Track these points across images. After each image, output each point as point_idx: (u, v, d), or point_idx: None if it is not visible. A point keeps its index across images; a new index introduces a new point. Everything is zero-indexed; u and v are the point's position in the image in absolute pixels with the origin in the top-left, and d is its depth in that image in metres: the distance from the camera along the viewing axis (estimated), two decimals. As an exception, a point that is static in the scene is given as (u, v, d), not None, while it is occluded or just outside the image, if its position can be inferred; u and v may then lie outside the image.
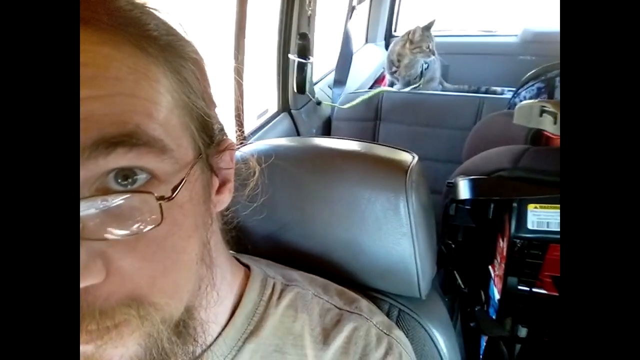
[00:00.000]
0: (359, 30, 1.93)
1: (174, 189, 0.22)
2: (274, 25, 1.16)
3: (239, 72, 0.96)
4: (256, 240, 0.47)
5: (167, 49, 0.23)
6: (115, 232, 0.20)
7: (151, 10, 0.23)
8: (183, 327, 0.24)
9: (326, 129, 1.41)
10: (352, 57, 1.48)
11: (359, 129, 1.37)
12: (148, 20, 0.23)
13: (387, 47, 2.13)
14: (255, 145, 0.48)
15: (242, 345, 0.31)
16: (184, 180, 0.22)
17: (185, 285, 0.25)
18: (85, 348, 0.20)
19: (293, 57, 1.16)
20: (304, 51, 1.15)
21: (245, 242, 0.47)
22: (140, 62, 0.21)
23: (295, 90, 1.22)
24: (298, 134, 1.27)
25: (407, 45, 1.48)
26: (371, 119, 1.37)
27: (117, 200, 0.20)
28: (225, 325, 0.31)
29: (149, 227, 0.20)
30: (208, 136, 0.26)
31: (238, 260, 0.36)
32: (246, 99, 1.02)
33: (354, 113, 1.37)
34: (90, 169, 0.19)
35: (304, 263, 0.45)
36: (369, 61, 1.87)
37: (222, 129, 0.28)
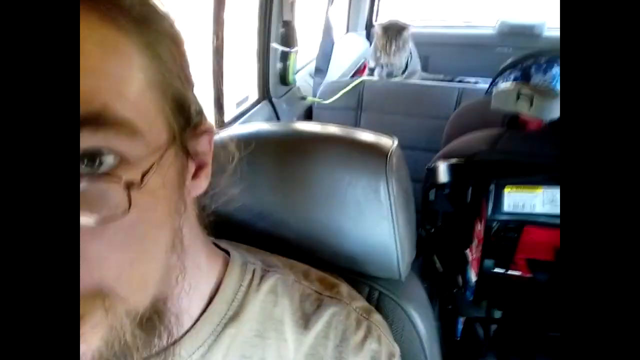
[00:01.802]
0: (340, 19, 1.92)
1: (144, 175, 0.20)
2: (255, 11, 1.14)
3: (218, 52, 0.93)
4: (236, 225, 0.47)
5: (141, 21, 0.21)
6: (82, 219, 0.19)
7: None
8: (148, 321, 0.23)
9: (307, 118, 1.41)
10: (333, 46, 1.47)
11: (341, 118, 1.37)
12: None
13: (368, 36, 2.13)
14: (235, 130, 0.47)
15: (222, 330, 0.30)
16: (154, 165, 0.21)
17: (154, 276, 0.24)
18: None
19: (277, 46, 1.14)
20: (288, 39, 1.13)
21: (224, 227, 0.47)
22: (110, 34, 0.20)
23: (279, 80, 1.19)
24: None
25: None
26: (353, 107, 1.37)
27: (83, 185, 0.19)
28: (204, 311, 0.30)
29: (116, 214, 0.19)
30: (184, 118, 0.24)
31: (217, 245, 0.35)
32: (226, 86, 1.00)
33: (336, 102, 1.37)
34: None
35: (285, 248, 0.45)
36: (350, 50, 1.87)
37: (200, 111, 0.26)
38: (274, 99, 1.26)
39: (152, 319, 0.24)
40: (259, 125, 0.49)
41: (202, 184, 0.28)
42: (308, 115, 1.42)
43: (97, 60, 0.19)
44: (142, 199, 0.20)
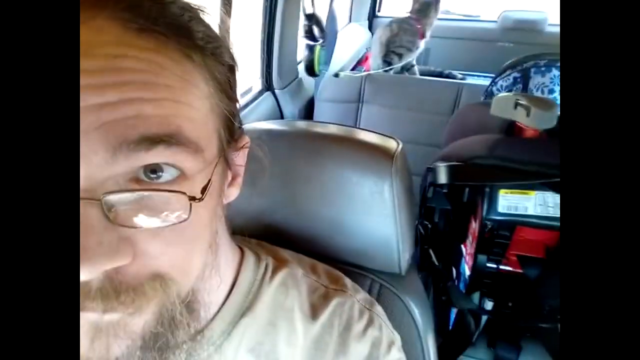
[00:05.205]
0: (343, 9, 1.91)
1: (203, 190, 0.24)
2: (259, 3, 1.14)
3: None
4: (247, 220, 0.49)
5: (210, 56, 0.25)
6: (145, 221, 0.22)
7: (197, 12, 0.25)
8: (189, 304, 0.27)
9: (309, 110, 1.42)
10: (336, 37, 1.48)
11: (342, 111, 1.39)
12: (197, 27, 0.24)
13: (370, 27, 2.13)
14: (247, 128, 0.50)
15: (239, 320, 0.33)
16: (210, 182, 0.24)
17: (197, 267, 0.27)
18: (114, 316, 0.22)
19: (304, 39, 1.15)
20: (312, 32, 1.13)
21: (236, 222, 0.49)
22: (187, 69, 0.23)
23: (306, 72, 1.21)
24: (281, 114, 1.27)
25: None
26: (354, 100, 1.39)
27: (151, 194, 0.22)
28: (224, 303, 0.33)
29: (176, 221, 0.22)
30: (229, 134, 0.28)
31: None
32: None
33: (337, 94, 1.38)
34: (131, 161, 0.21)
35: (294, 242, 0.48)
36: (353, 41, 1.86)
37: (240, 125, 0.30)
38: (277, 91, 1.27)
39: (192, 303, 0.27)
40: (270, 124, 0.52)
41: (235, 192, 0.31)
42: (309, 107, 1.43)
43: (177, 93, 0.23)
44: (195, 206, 0.24)
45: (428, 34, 1.57)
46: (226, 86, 0.26)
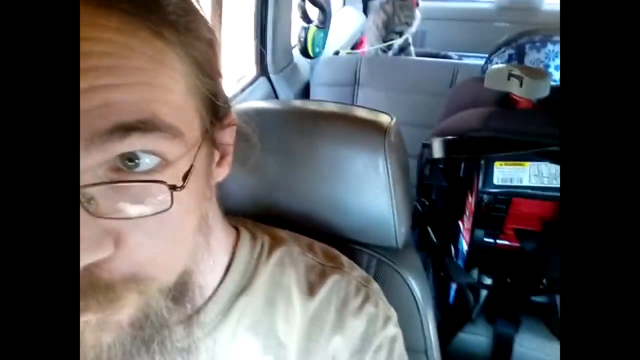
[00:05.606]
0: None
1: (184, 177, 0.22)
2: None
3: (215, 28, 0.94)
4: (242, 201, 0.50)
5: (184, 32, 0.23)
6: (126, 212, 0.21)
7: None
8: (177, 292, 0.26)
9: (305, 94, 1.41)
10: (330, 20, 1.46)
11: (338, 94, 1.38)
12: (168, 0, 0.22)
13: (364, 10, 2.10)
14: (239, 108, 0.49)
15: (237, 298, 0.33)
16: (192, 167, 0.23)
17: (182, 257, 0.26)
18: (92, 317, 0.22)
19: (305, 24, 1.15)
20: (306, 13, 1.12)
21: (231, 203, 0.49)
22: (158, 48, 0.22)
23: (300, 53, 1.21)
24: (277, 99, 1.27)
25: None
26: (350, 84, 1.38)
27: (131, 184, 0.21)
28: (220, 283, 0.33)
29: (159, 209, 0.21)
30: (213, 113, 0.26)
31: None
32: (225, 62, 1.00)
33: (333, 78, 1.37)
34: (107, 152, 0.20)
35: (290, 220, 0.48)
36: (347, 24, 1.84)
37: (226, 102, 0.28)
38: (272, 75, 1.26)
39: (181, 291, 0.26)
40: (262, 103, 0.51)
41: (224, 172, 0.30)
42: (305, 91, 1.42)
43: (149, 75, 0.21)
44: (178, 194, 0.23)
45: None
46: (205, 63, 0.25)
